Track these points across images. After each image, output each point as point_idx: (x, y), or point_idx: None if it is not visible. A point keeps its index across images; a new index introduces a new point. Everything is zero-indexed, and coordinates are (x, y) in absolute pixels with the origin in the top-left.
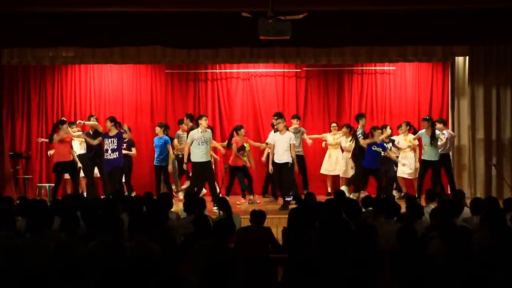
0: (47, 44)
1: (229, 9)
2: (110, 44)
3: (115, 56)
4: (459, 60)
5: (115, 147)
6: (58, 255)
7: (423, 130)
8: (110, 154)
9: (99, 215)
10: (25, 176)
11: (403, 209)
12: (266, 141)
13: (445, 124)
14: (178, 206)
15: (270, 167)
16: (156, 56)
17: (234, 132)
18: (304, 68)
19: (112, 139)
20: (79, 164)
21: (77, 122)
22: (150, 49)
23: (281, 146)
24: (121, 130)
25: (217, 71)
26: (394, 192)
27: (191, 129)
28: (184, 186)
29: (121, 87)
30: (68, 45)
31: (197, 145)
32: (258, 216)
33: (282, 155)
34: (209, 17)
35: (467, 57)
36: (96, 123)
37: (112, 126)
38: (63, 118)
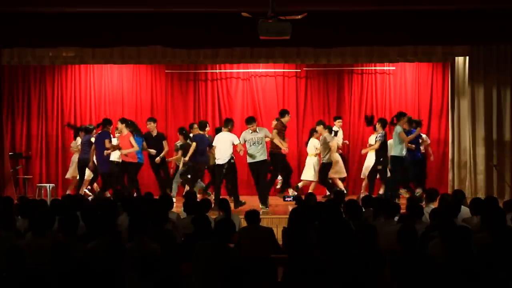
0: (47, 44)
1: (229, 9)
2: (110, 44)
3: (115, 56)
4: (459, 60)
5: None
6: (54, 255)
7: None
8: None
9: (99, 215)
10: (25, 176)
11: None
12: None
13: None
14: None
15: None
16: (156, 56)
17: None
18: (304, 68)
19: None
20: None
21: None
22: (150, 49)
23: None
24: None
25: (217, 71)
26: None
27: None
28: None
29: (121, 87)
30: (68, 45)
31: (249, 146)
32: (253, 216)
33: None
34: (209, 17)
35: (467, 57)
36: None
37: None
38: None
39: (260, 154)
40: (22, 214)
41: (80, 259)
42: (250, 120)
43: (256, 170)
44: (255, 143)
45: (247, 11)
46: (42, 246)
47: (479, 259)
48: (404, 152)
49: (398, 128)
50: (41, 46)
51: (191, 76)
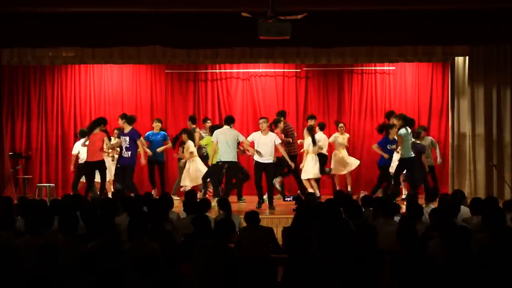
0: (47, 44)
1: (229, 9)
2: (110, 44)
3: (115, 56)
4: (459, 60)
5: (128, 146)
6: (41, 256)
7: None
8: (123, 152)
9: (98, 215)
10: (25, 176)
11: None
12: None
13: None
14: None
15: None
16: (156, 56)
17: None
18: (304, 68)
19: (125, 137)
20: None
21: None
22: (150, 49)
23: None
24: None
25: (217, 71)
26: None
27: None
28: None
29: (121, 87)
30: (68, 45)
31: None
32: (253, 216)
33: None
34: (209, 17)
35: (467, 57)
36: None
37: (124, 123)
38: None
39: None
40: (22, 214)
41: (80, 259)
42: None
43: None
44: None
45: (247, 11)
46: (38, 246)
47: (479, 259)
48: (411, 154)
49: (403, 131)
50: (41, 46)
51: (191, 76)
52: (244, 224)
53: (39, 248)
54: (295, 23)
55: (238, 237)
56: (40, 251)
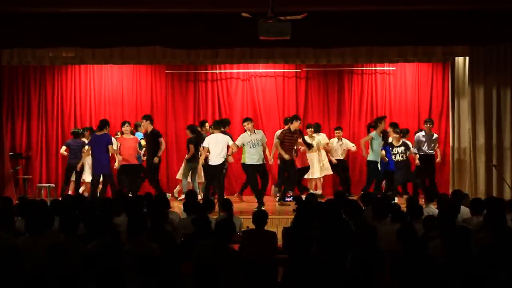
0: (47, 44)
1: (229, 9)
2: (110, 44)
3: (115, 56)
4: (459, 60)
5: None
6: (51, 256)
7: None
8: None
9: (98, 215)
10: (25, 176)
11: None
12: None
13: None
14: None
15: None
16: (156, 56)
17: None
18: (304, 69)
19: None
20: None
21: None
22: (150, 49)
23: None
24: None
25: (217, 71)
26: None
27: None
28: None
29: (121, 87)
30: (68, 45)
31: (248, 148)
32: (260, 217)
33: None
34: (209, 17)
35: (467, 58)
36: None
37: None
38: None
39: (261, 157)
40: (22, 214)
41: (80, 260)
42: (246, 119)
43: (258, 172)
44: (255, 144)
45: (247, 11)
46: (39, 246)
47: (479, 259)
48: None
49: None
50: (41, 46)
51: (191, 76)
52: (245, 226)
53: (48, 249)
54: (295, 23)
55: (241, 240)
56: (49, 252)
